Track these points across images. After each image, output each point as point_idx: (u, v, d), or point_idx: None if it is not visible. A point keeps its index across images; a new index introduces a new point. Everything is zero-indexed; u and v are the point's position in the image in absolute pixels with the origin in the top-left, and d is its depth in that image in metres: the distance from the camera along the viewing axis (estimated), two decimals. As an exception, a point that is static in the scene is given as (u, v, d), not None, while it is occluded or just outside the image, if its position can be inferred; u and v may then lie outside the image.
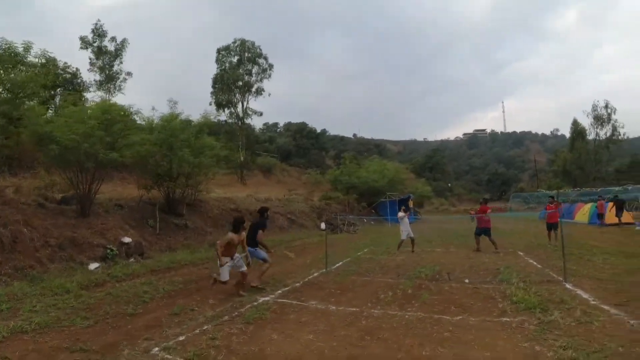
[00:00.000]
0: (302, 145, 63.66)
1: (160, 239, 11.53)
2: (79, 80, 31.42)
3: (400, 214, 12.25)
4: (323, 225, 21.00)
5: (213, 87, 39.33)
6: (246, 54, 39.17)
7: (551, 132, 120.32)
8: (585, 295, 5.80)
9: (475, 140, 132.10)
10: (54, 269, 7.55)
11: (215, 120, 13.69)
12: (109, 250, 8.77)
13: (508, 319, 4.88)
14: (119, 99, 37.83)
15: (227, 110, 39.39)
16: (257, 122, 70.28)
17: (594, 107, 48.59)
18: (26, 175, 11.51)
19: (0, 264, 6.85)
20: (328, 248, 9.18)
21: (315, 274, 8.39)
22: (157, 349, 4.18)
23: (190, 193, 14.15)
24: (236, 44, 38.94)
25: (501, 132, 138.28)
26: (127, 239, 9.45)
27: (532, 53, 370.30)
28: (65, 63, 29.24)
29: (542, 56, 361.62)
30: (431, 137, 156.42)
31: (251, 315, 5.30)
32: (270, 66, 40.08)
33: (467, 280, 7.36)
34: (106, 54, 32.27)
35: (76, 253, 8.28)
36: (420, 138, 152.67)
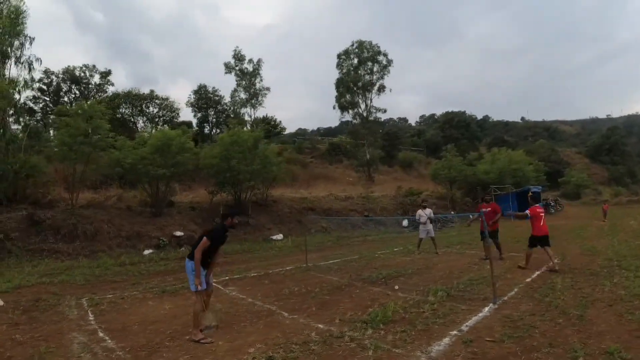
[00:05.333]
0: (450, 136, 60.71)
1: (221, 234, 14.54)
2: (230, 100, 39.66)
3: (420, 212, 11.82)
4: (405, 223, 20.80)
5: (337, 90, 42.34)
6: (365, 54, 40.68)
7: None
8: (468, 322, 4.85)
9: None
10: (118, 253, 11.20)
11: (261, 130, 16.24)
12: (161, 241, 12.13)
13: (324, 328, 4.81)
14: (261, 112, 44.84)
15: (351, 112, 41.95)
16: (412, 117, 70.31)
17: None
18: (128, 187, 16.29)
19: (83, 248, 10.80)
20: (368, 245, 11.62)
21: (288, 268, 9.47)
22: (85, 299, 6.70)
23: (260, 193, 16.96)
24: (354, 47, 40.81)
25: None
26: (178, 233, 12.69)
27: None
28: (214, 87, 37.08)
29: None
30: (616, 113, 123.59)
31: (161, 289, 7.28)
32: (390, 62, 40.47)
33: (396, 287, 7.11)
34: (246, 75, 38.93)
35: (138, 242, 11.90)
36: (602, 115, 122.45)
